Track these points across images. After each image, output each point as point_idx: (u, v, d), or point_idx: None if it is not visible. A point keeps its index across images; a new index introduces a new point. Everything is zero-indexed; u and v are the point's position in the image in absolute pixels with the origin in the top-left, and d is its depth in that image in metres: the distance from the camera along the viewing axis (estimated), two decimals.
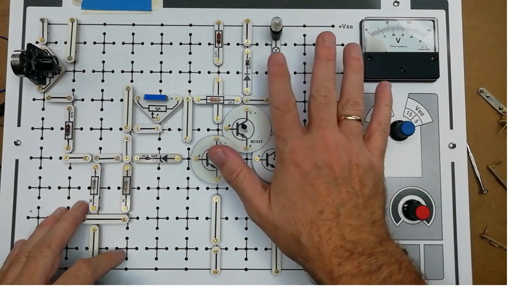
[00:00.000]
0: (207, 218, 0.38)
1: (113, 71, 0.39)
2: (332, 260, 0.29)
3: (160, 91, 0.39)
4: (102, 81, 0.39)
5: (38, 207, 0.38)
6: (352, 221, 0.30)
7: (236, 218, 0.38)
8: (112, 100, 0.39)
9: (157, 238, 0.38)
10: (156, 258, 0.37)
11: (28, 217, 0.37)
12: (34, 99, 0.38)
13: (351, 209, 0.30)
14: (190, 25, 0.39)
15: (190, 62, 0.39)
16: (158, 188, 0.38)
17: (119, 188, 0.38)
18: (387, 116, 0.35)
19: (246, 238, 0.38)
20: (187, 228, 0.38)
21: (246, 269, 0.37)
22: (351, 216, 0.30)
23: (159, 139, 0.38)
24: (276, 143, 0.33)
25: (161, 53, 0.39)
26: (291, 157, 0.31)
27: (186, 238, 0.38)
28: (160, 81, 0.39)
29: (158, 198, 0.38)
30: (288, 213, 0.31)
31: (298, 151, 0.31)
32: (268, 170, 0.38)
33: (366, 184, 0.31)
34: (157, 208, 0.38)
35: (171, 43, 0.39)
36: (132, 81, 0.39)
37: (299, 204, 0.30)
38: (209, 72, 0.39)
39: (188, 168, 0.38)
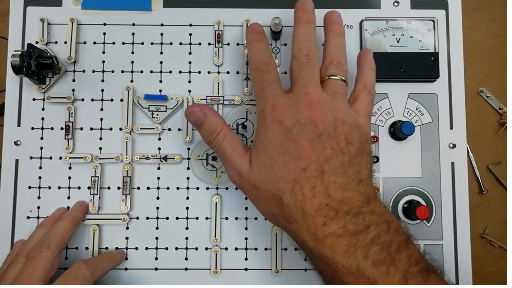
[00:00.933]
0: (207, 218, 0.38)
1: (113, 71, 0.39)
2: (317, 219, 0.27)
3: (160, 91, 0.39)
4: (102, 81, 0.39)
5: (38, 207, 0.38)
6: (337, 178, 0.28)
7: (236, 218, 0.38)
8: (112, 100, 0.39)
9: (157, 238, 0.38)
10: (156, 258, 0.37)
11: (28, 217, 0.37)
12: (34, 99, 0.38)
13: (336, 166, 0.28)
14: (190, 25, 0.39)
15: (190, 62, 0.39)
16: (158, 188, 0.38)
17: (119, 188, 0.38)
18: (372, 79, 0.34)
19: (246, 238, 0.38)
20: (187, 228, 0.38)
21: (246, 269, 0.37)
22: (337, 174, 0.28)
23: (159, 139, 0.38)
24: (257, 103, 0.32)
25: (161, 53, 0.39)
26: (272, 114, 0.30)
27: (186, 238, 0.38)
28: (160, 81, 0.39)
29: (158, 198, 0.38)
30: (269, 172, 0.29)
31: (279, 108, 0.30)
32: None
33: (352, 142, 0.30)
34: (157, 208, 0.38)
35: (171, 43, 0.39)
36: (132, 81, 0.39)
37: (281, 162, 0.29)
38: (209, 72, 0.39)
39: (188, 168, 0.38)
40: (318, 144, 0.29)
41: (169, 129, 0.38)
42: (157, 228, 0.38)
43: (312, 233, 0.28)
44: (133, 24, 0.39)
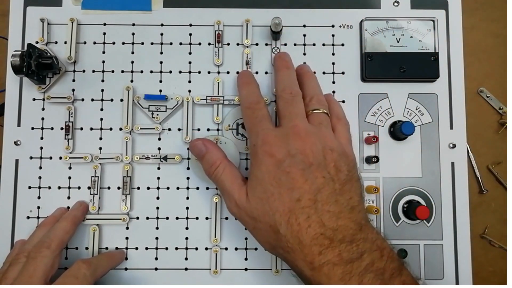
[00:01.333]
0: (207, 218, 0.38)
1: (113, 71, 0.39)
2: (313, 249, 0.28)
3: (160, 91, 0.39)
4: (102, 81, 0.39)
5: (38, 207, 0.38)
6: (330, 207, 0.29)
7: (236, 218, 0.38)
8: (112, 100, 0.39)
9: (157, 238, 0.38)
10: (156, 258, 0.37)
11: (28, 217, 0.37)
12: (34, 99, 0.38)
13: (328, 195, 0.30)
14: (190, 25, 0.39)
15: (190, 62, 0.39)
16: (158, 188, 0.38)
17: (119, 188, 0.38)
18: (341, 110, 0.37)
19: (246, 238, 0.38)
20: (187, 228, 0.38)
21: (246, 269, 0.37)
22: (329, 202, 0.30)
23: (159, 139, 0.38)
24: (249, 139, 0.34)
25: (161, 53, 0.39)
26: (263, 148, 0.31)
27: (186, 238, 0.38)
28: (160, 81, 0.39)
29: (158, 198, 0.38)
30: (265, 204, 0.30)
31: (270, 141, 0.31)
32: None
33: (341, 169, 0.31)
34: (157, 208, 0.38)
35: (171, 43, 0.39)
36: (132, 81, 0.39)
37: (276, 195, 0.30)
38: (209, 72, 0.39)
39: (188, 168, 0.38)
40: (309, 174, 0.30)
41: (169, 129, 0.38)
42: (157, 228, 0.38)
43: (308, 263, 0.28)
44: (133, 24, 0.39)
